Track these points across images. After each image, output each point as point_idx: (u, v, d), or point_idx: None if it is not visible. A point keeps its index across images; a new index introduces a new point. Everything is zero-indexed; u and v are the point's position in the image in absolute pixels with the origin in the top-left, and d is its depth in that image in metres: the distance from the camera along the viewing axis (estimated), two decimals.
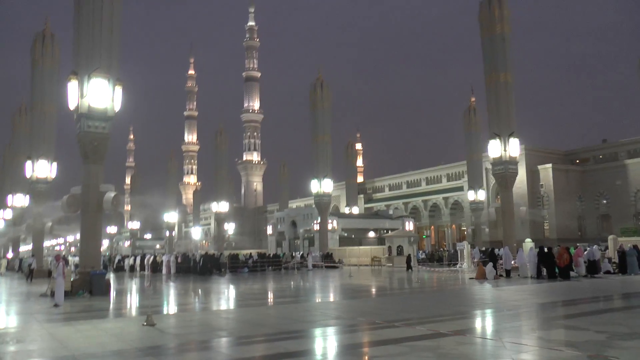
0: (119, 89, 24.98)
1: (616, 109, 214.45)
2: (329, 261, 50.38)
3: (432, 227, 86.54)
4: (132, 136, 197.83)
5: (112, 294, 24.04)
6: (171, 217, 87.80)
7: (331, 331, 12.52)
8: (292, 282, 33.06)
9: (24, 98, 58.03)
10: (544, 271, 29.38)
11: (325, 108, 58.04)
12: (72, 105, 24.58)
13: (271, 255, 51.35)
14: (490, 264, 30.22)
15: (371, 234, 72.03)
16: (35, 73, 43.65)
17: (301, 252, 55.67)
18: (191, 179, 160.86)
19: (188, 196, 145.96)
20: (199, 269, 41.76)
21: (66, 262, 23.29)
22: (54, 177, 43.36)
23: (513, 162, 40.67)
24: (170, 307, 19.41)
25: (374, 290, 27.02)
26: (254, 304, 20.00)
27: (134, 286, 32.64)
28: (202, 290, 27.27)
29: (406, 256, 43.41)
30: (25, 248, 77.19)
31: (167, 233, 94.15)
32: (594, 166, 71.43)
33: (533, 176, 70.21)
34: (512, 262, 32.35)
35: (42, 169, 42.66)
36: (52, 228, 45.59)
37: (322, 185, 57.06)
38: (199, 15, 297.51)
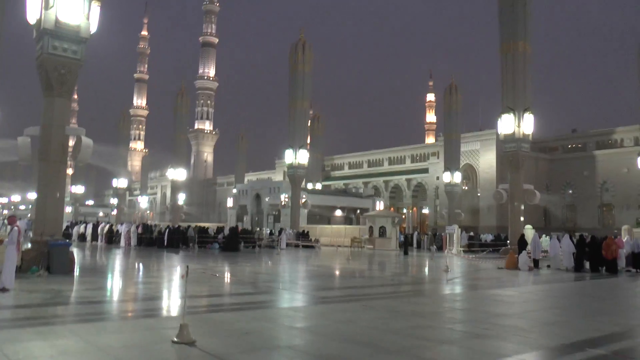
0: (96, 5, 19.07)
1: (589, 98, 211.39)
2: (304, 240, 45.29)
3: (392, 208, 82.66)
4: (76, 96, 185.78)
5: (76, 272, 18.38)
6: (121, 183, 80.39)
7: None
8: (280, 266, 27.88)
9: None
10: (587, 264, 25.40)
11: (307, 72, 52.40)
12: (31, 19, 18.50)
13: (240, 231, 45.70)
14: (525, 253, 25.97)
15: (338, 212, 67.48)
16: None
17: (270, 229, 50.46)
18: (138, 145, 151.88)
19: (134, 163, 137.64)
20: (165, 242, 36.13)
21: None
22: None
23: (526, 140, 36.40)
24: (173, 299, 13.83)
25: (401, 283, 21.99)
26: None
27: (96, 260, 26.85)
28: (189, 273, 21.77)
29: (402, 237, 39.06)
30: None
31: (117, 200, 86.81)
32: (562, 155, 69.49)
33: (502, 162, 67.50)
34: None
35: None
36: None
37: (297, 156, 51.56)
38: None
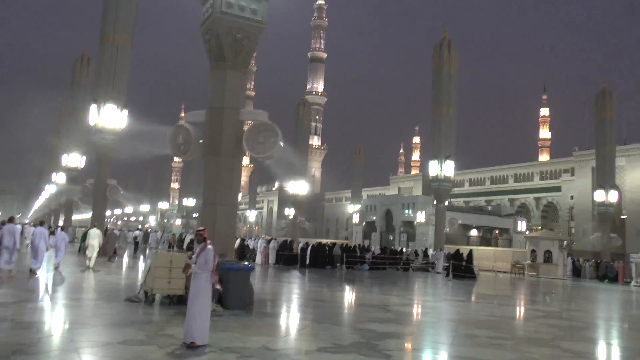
0: None
1: None
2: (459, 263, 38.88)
3: None
4: (183, 114, 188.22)
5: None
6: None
7: None
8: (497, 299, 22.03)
9: (88, 46, 49.06)
10: None
11: (452, 74, 46.31)
12: None
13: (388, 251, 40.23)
14: None
15: (473, 232, 60.60)
16: None
17: (414, 249, 44.77)
18: (244, 161, 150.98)
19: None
20: (307, 260, 31.59)
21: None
22: (122, 128, 32.95)
23: None
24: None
25: None
26: None
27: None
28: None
29: (603, 263, 32.40)
30: (80, 217, 68.09)
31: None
32: None
33: None
34: None
35: (110, 116, 32.29)
36: (117, 192, 34.16)
37: (443, 168, 45.45)
38: None
